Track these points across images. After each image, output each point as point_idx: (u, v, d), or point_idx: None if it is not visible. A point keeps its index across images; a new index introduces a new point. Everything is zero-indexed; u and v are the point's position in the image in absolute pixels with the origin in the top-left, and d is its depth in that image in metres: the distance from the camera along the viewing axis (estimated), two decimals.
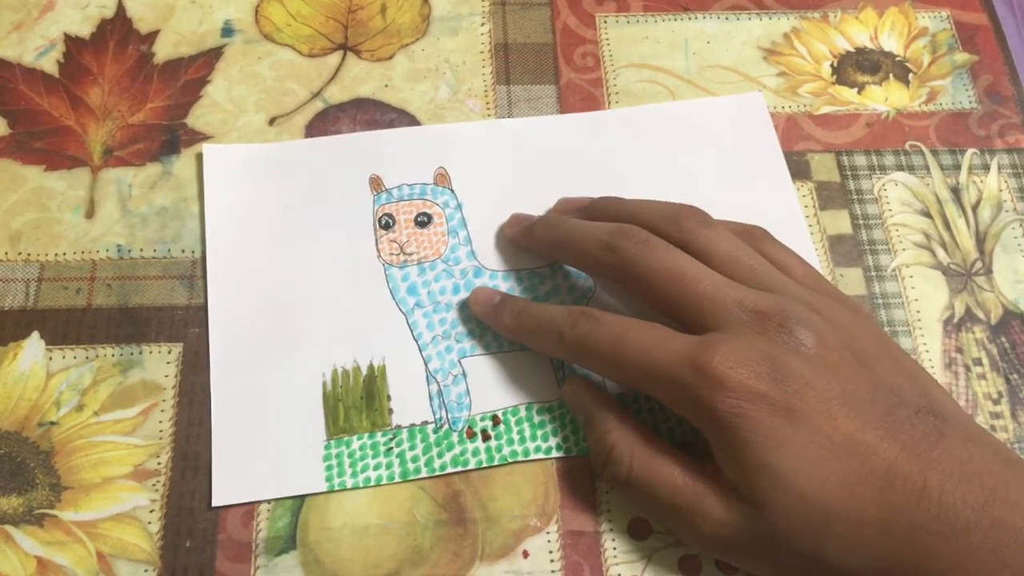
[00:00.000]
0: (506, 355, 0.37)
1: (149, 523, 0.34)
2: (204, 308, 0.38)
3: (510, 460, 0.35)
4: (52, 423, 0.35)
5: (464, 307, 0.38)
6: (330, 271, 0.38)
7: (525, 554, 0.34)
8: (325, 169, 0.41)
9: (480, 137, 0.42)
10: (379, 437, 0.36)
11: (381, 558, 0.34)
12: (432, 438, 0.36)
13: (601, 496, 0.35)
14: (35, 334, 0.37)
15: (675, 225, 0.34)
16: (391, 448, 0.35)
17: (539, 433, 0.36)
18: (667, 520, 0.33)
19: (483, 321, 0.37)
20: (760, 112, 0.43)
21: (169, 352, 0.37)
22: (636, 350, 0.31)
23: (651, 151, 0.42)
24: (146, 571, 0.33)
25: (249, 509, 0.34)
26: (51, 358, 0.37)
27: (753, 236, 0.36)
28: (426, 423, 0.36)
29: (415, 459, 0.35)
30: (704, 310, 0.32)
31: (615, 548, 0.34)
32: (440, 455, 0.35)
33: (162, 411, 0.36)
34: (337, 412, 0.36)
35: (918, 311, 0.39)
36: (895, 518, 0.28)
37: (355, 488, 0.35)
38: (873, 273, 0.40)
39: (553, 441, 0.36)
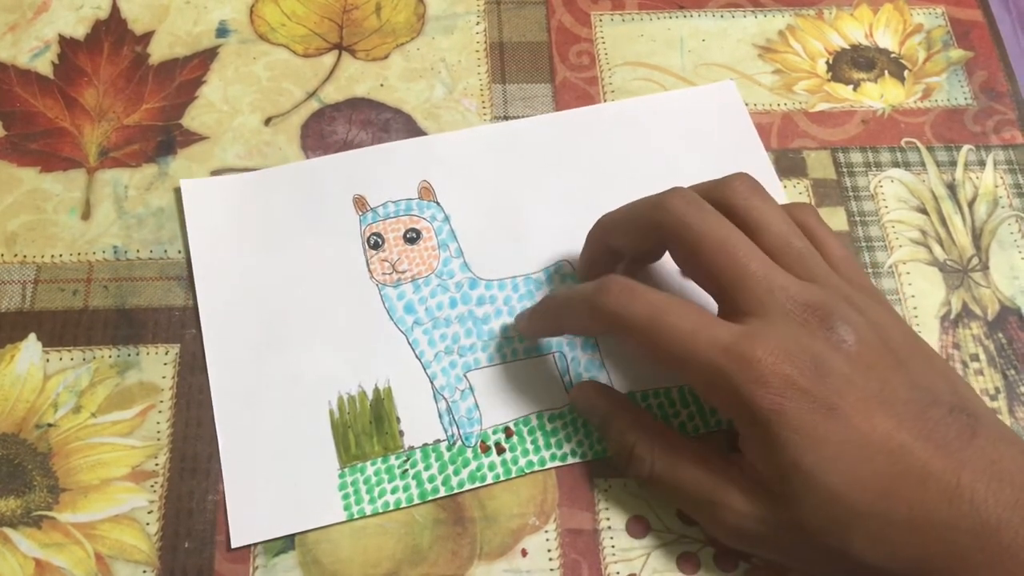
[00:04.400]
0: (512, 365, 0.37)
1: (147, 524, 0.34)
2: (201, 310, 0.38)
3: (527, 471, 0.35)
4: (50, 425, 0.35)
5: (464, 320, 0.38)
6: (324, 297, 0.38)
7: (524, 553, 0.34)
8: (307, 194, 0.40)
9: (459, 146, 0.42)
10: (393, 460, 0.35)
11: (380, 558, 0.34)
12: (446, 456, 0.35)
13: (599, 494, 0.35)
14: (32, 336, 0.37)
15: (728, 189, 0.33)
16: (406, 470, 0.35)
17: (553, 441, 0.36)
18: (691, 513, 0.33)
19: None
20: (734, 101, 0.44)
21: (166, 353, 0.37)
22: (676, 331, 0.30)
23: (632, 145, 0.42)
24: (144, 572, 0.33)
25: None
26: (48, 360, 0.37)
27: (801, 210, 0.35)
28: (439, 441, 0.36)
29: (432, 479, 0.35)
30: (750, 291, 0.31)
31: (613, 546, 0.34)
32: (456, 472, 0.35)
33: (159, 412, 0.36)
34: (348, 439, 0.36)
35: (915, 308, 0.39)
36: (926, 516, 0.28)
37: (375, 514, 0.34)
38: (870, 270, 0.40)
39: (568, 447, 0.36)
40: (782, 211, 0.33)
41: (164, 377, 0.36)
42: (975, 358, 0.38)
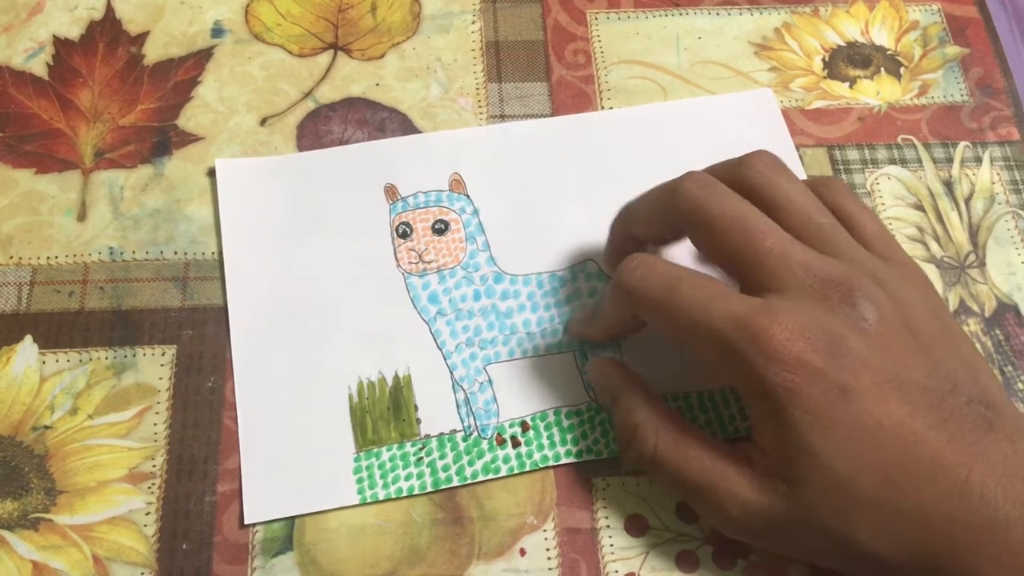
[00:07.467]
0: (531, 360, 0.37)
1: (145, 526, 0.34)
2: (197, 310, 0.38)
3: (541, 465, 0.35)
4: (46, 427, 0.35)
5: (487, 313, 0.38)
6: (349, 282, 0.38)
7: (522, 552, 0.34)
8: (339, 180, 0.41)
9: (492, 142, 0.42)
10: (408, 447, 0.35)
11: (378, 558, 0.34)
12: (462, 446, 0.35)
13: (597, 493, 0.35)
14: (28, 338, 0.37)
15: (747, 168, 0.33)
16: (421, 458, 0.35)
17: (569, 437, 0.36)
18: (693, 501, 0.32)
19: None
20: (771, 109, 0.43)
21: (163, 354, 0.37)
22: (690, 300, 0.30)
23: (665, 150, 0.42)
24: (142, 574, 0.33)
25: None
26: (44, 362, 0.37)
27: (829, 187, 0.34)
28: (455, 431, 0.36)
29: (446, 468, 0.35)
30: (767, 267, 0.30)
31: (612, 545, 0.34)
32: (471, 463, 0.35)
33: (156, 413, 0.36)
34: (365, 424, 0.36)
35: None
36: (934, 509, 0.27)
37: (387, 500, 0.34)
38: None
39: (583, 444, 0.36)
40: (804, 187, 0.33)
41: (161, 378, 0.36)
42: None
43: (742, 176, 0.33)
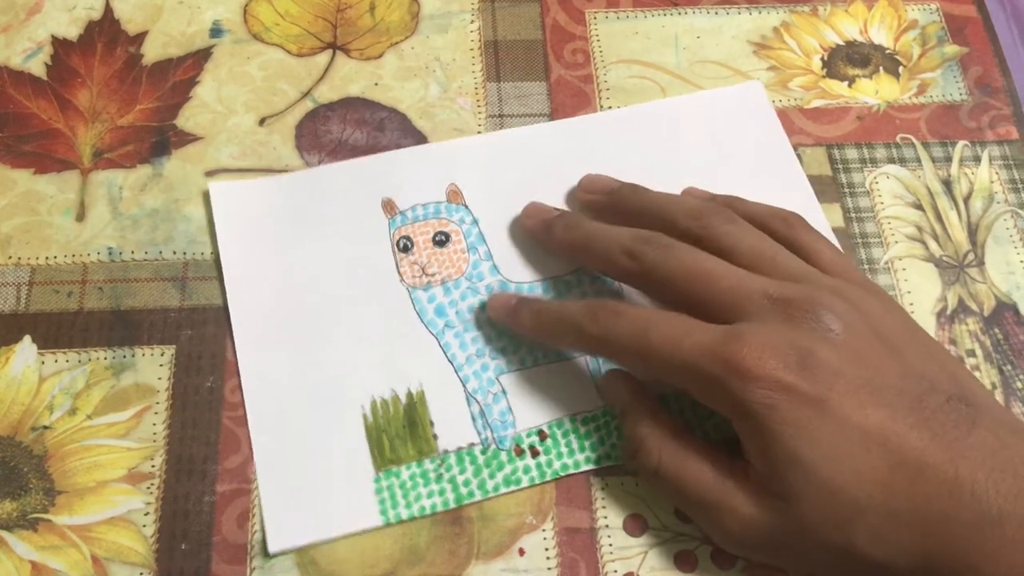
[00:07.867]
0: (544, 368, 0.37)
1: (144, 526, 0.34)
2: (196, 310, 0.38)
3: (562, 474, 0.35)
4: (45, 427, 0.35)
5: (495, 323, 0.37)
6: (354, 301, 0.38)
7: (521, 552, 0.34)
8: (335, 197, 0.40)
9: (487, 149, 0.42)
10: (427, 464, 0.35)
11: (377, 558, 0.34)
12: (481, 460, 0.35)
13: (596, 493, 0.35)
14: (27, 338, 0.37)
15: (696, 223, 0.34)
16: (441, 474, 0.35)
17: (587, 444, 0.35)
18: (694, 515, 0.33)
19: (502, 325, 0.37)
20: (761, 101, 0.43)
21: (162, 354, 0.37)
22: (662, 343, 0.31)
23: (659, 149, 0.42)
24: (141, 574, 0.33)
25: (244, 510, 0.34)
26: (43, 362, 0.37)
27: (786, 222, 0.35)
28: (473, 445, 0.35)
29: (467, 483, 0.35)
30: (729, 303, 0.31)
31: (611, 544, 0.34)
32: (492, 476, 0.35)
33: (155, 414, 0.36)
34: (382, 444, 0.35)
35: (911, 304, 0.39)
36: (927, 508, 0.27)
37: (411, 519, 0.34)
38: (866, 266, 0.40)
39: (602, 450, 0.35)
40: (751, 228, 0.34)
41: (160, 379, 0.36)
42: (971, 354, 0.38)
43: (695, 228, 0.34)
